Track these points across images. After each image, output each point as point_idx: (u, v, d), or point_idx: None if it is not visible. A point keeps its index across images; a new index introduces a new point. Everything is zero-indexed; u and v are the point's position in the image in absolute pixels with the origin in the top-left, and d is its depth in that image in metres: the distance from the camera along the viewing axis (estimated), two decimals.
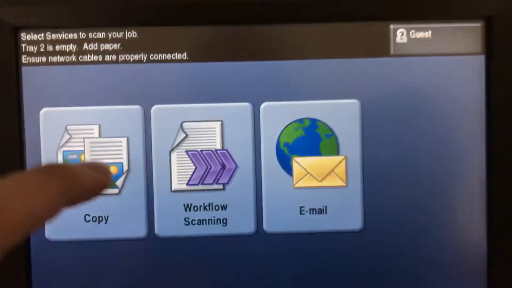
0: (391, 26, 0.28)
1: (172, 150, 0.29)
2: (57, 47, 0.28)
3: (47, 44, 0.28)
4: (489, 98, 0.29)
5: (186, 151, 0.29)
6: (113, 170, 0.28)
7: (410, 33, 0.29)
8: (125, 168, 0.28)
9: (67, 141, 0.28)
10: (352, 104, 0.29)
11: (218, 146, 0.29)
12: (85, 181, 0.16)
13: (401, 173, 0.29)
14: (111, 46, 0.28)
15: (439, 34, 0.29)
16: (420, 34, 0.29)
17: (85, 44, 0.28)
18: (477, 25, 0.28)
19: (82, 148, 0.28)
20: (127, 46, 0.28)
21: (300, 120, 0.29)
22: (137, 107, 0.28)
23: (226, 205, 0.29)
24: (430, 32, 0.29)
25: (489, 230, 0.29)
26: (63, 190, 0.15)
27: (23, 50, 0.28)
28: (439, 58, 0.29)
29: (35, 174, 0.15)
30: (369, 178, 0.29)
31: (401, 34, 0.29)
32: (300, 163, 0.29)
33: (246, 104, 0.29)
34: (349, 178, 0.29)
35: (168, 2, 0.28)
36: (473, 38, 0.29)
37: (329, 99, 0.29)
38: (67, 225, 0.28)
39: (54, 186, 0.15)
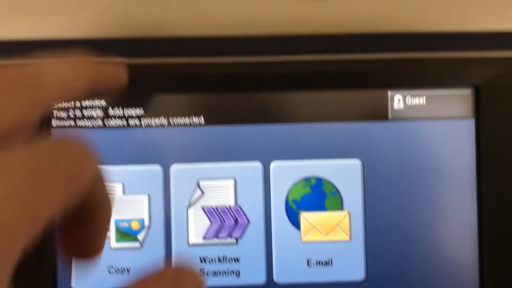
0: (389, 93, 0.31)
1: (189, 206, 0.31)
2: (85, 112, 0.31)
3: (76, 110, 0.31)
4: (479, 157, 0.31)
5: (202, 207, 0.31)
6: (135, 225, 0.31)
7: (406, 99, 0.31)
8: (146, 223, 0.31)
9: None
10: (354, 164, 0.31)
11: (232, 203, 0.31)
12: (106, 71, 0.19)
13: (400, 227, 0.31)
14: (135, 111, 0.31)
15: (432, 100, 0.31)
16: (416, 100, 0.31)
17: (110, 109, 0.31)
18: (467, 92, 0.31)
19: None
20: (149, 111, 0.31)
21: (307, 179, 0.31)
22: (157, 166, 0.31)
23: (239, 258, 0.31)
24: (424, 98, 0.31)
25: (481, 280, 0.31)
26: (89, 71, 0.18)
27: (54, 115, 0.31)
28: (433, 122, 0.31)
29: (69, 58, 0.18)
30: (371, 232, 0.31)
31: (398, 100, 0.31)
32: (307, 218, 0.31)
33: (257, 163, 0.31)
34: (353, 232, 0.31)
35: (187, 72, 0.31)
36: (463, 104, 0.31)
37: (333, 158, 0.31)
38: (91, 277, 0.30)
39: (83, 68, 0.18)
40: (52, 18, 0.31)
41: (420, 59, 0.31)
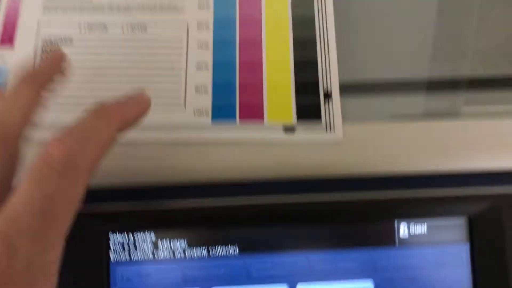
0: (396, 223, 0.37)
1: None
2: (137, 246, 0.36)
3: (130, 244, 0.36)
4: (475, 277, 0.37)
5: None
6: None
7: (411, 228, 0.37)
8: None
9: None
10: (367, 286, 0.37)
11: None
12: (130, 115, 0.25)
13: None
14: (179, 244, 0.36)
15: (433, 228, 0.37)
16: (418, 229, 0.37)
17: (159, 242, 0.36)
18: (462, 221, 0.37)
19: None
20: (192, 243, 0.36)
21: None
22: None
23: None
24: (426, 227, 0.37)
25: None
26: (116, 127, 0.23)
27: (111, 249, 0.36)
28: (433, 247, 0.37)
29: (93, 120, 0.23)
30: None
31: (403, 229, 0.37)
32: None
33: (285, 286, 0.36)
34: None
35: (225, 210, 0.36)
36: (459, 231, 0.37)
37: (349, 279, 0.37)
38: None
39: (109, 128, 0.23)
40: None
41: (422, 195, 0.37)
